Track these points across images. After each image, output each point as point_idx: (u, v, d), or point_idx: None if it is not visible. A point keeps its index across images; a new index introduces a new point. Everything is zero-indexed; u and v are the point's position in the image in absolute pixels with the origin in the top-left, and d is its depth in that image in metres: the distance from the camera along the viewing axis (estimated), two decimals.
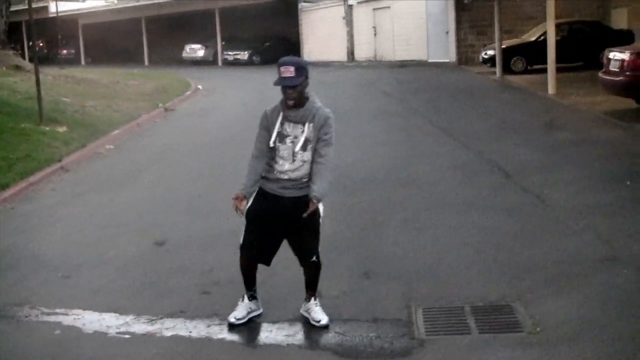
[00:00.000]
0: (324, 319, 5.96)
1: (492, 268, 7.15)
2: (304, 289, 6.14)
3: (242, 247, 5.94)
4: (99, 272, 7.58)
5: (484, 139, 14.12)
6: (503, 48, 26.89)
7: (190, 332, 6.00)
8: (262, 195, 5.88)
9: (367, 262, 7.46)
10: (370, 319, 6.06)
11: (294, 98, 5.67)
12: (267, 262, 6.04)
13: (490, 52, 28.38)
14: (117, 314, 6.39)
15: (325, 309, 6.05)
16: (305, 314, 6.07)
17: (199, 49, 46.75)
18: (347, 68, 36.51)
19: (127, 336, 5.97)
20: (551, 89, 20.38)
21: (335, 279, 6.81)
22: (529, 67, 27.22)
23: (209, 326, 6.08)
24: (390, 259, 7.58)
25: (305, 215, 5.64)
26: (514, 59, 27.38)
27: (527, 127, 15.71)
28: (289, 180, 5.79)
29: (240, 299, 6.12)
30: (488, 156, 12.40)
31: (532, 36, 28.07)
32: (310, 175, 5.78)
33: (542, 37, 25.03)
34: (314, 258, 5.92)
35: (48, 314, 6.46)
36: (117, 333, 6.03)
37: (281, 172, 5.79)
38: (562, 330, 5.66)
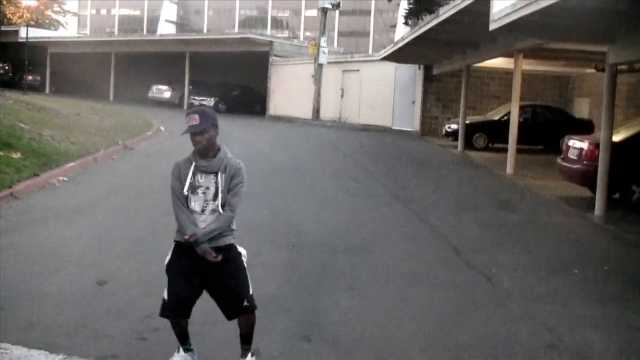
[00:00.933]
0: None
1: (433, 344, 7.09)
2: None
3: (167, 304, 5.74)
4: (35, 306, 7.38)
5: (438, 212, 14.18)
6: (466, 123, 27.31)
7: None
8: (181, 248, 5.77)
9: (308, 325, 7.37)
10: None
11: (203, 145, 5.66)
12: (188, 315, 5.87)
13: (454, 126, 28.78)
14: (47, 352, 6.18)
15: None
16: None
17: (166, 91, 46.82)
18: (310, 126, 36.68)
19: None
20: (509, 169, 20.64)
21: (274, 339, 6.71)
22: (490, 145, 27.66)
23: None
24: (331, 324, 7.49)
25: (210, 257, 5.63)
26: (476, 135, 27.81)
27: (482, 204, 15.83)
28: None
29: (177, 350, 5.99)
30: (440, 229, 12.44)
31: (495, 115, 28.56)
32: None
33: (505, 117, 25.48)
34: (245, 302, 5.77)
35: None
36: None
37: (195, 225, 5.71)
38: None
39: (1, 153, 14.87)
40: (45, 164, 15.29)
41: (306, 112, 39.88)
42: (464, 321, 7.82)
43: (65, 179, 14.86)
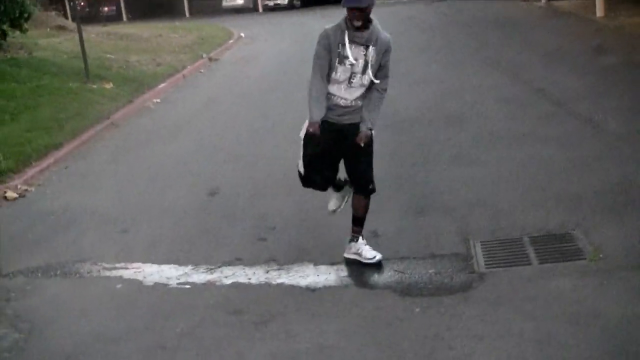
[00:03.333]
0: (377, 255, 5.96)
1: (548, 197, 7.05)
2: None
3: (304, 179, 6.01)
4: (154, 224, 7.64)
5: (532, 69, 13.87)
6: None
7: (249, 278, 6.03)
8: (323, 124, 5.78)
9: (420, 199, 7.42)
10: (428, 256, 6.04)
11: (362, 20, 5.48)
12: (325, 188, 6.12)
13: None
14: (176, 265, 6.45)
15: (382, 247, 6.05)
16: (354, 257, 6.06)
17: None
18: (386, 5, 35.99)
19: (187, 286, 6.02)
20: (599, 12, 19.91)
21: (389, 217, 6.78)
22: None
23: (267, 272, 6.10)
24: (443, 194, 7.52)
25: (362, 144, 5.64)
26: None
27: (575, 53, 15.40)
28: (345, 107, 5.68)
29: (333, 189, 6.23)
30: (537, 86, 12.18)
31: None
32: (363, 100, 5.71)
33: None
34: (371, 186, 5.91)
35: (109, 269, 6.52)
36: (177, 284, 6.08)
37: (339, 98, 5.66)
38: (625, 257, 5.58)
39: (94, 86, 15.16)
40: (137, 89, 15.53)
41: None
42: (576, 170, 7.73)
43: (158, 100, 15.08)
